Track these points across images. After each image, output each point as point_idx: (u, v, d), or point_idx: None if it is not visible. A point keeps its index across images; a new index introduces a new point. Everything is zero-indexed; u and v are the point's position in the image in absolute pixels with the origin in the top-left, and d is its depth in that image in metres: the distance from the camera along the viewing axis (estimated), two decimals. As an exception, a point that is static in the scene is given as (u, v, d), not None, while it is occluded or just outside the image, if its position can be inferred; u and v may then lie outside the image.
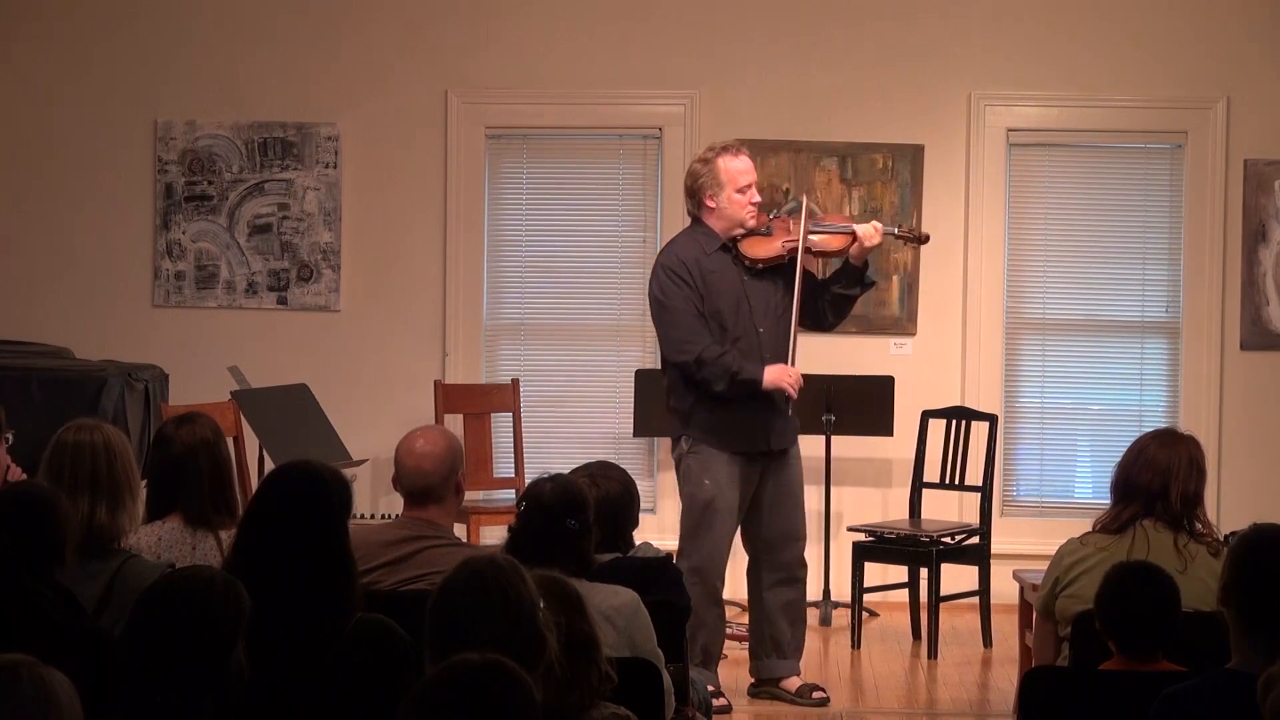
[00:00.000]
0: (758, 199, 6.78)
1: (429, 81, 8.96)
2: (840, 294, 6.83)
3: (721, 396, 6.64)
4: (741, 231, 6.74)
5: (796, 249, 6.68)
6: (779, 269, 6.76)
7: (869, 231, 6.72)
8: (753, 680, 6.94)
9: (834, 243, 6.80)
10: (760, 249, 6.74)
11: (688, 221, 6.89)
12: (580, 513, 4.54)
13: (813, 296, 6.80)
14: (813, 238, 6.76)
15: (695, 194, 6.76)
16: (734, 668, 7.09)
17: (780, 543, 6.82)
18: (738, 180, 6.71)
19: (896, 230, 7.01)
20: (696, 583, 6.61)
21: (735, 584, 7.30)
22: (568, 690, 3.36)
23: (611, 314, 9.01)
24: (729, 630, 7.43)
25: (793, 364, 6.68)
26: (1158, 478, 5.02)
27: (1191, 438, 5.18)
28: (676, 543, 8.01)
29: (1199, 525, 5.05)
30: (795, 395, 6.69)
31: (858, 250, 6.74)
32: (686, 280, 6.67)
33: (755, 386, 6.61)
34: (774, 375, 6.62)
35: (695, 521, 6.71)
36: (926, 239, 7.16)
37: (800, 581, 6.88)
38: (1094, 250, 8.97)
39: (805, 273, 6.76)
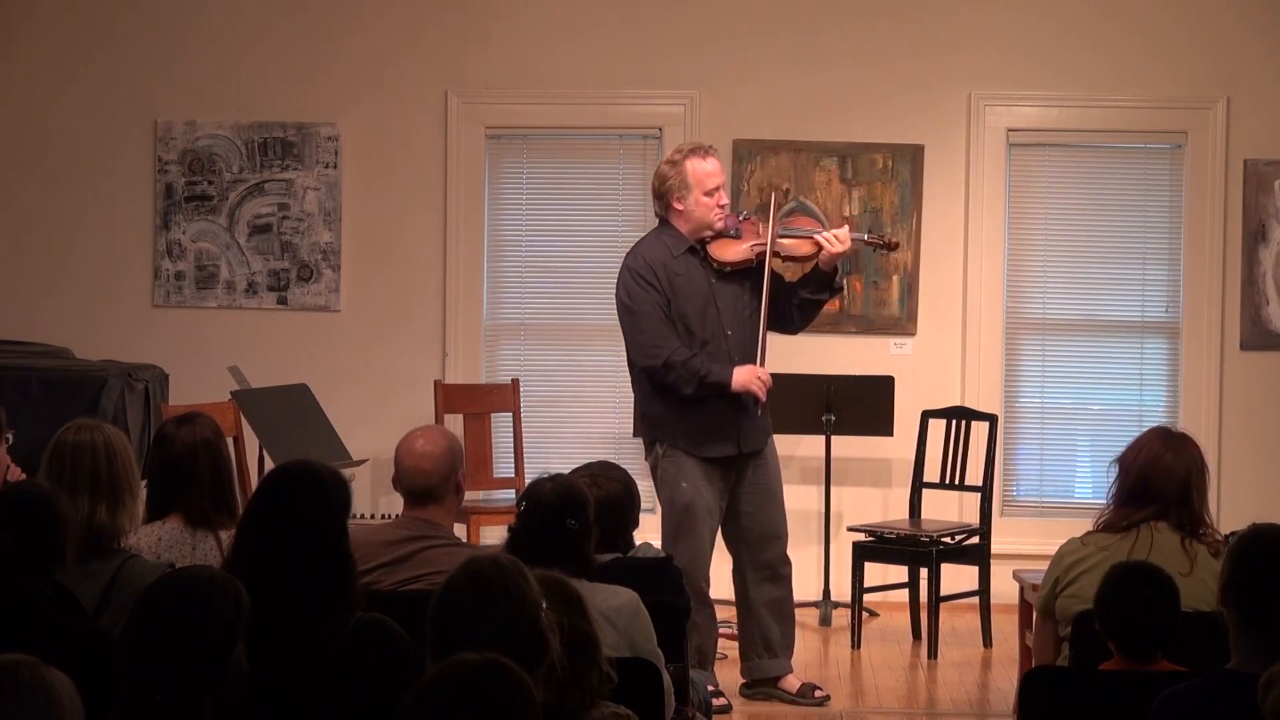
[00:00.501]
0: (726, 201, 6.75)
1: (429, 81, 8.96)
2: (809, 298, 6.80)
3: (690, 400, 6.62)
4: (709, 234, 6.72)
5: (765, 252, 6.67)
6: (747, 272, 6.73)
7: (839, 237, 6.69)
8: (745, 681, 6.93)
9: (803, 247, 6.78)
10: (728, 252, 6.72)
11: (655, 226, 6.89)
12: (580, 513, 4.54)
13: (780, 299, 6.78)
14: (781, 241, 6.74)
15: (663, 196, 6.72)
16: (732, 668, 7.08)
17: (762, 542, 6.81)
18: (706, 183, 6.68)
19: (866, 237, 6.98)
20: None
21: (722, 583, 7.29)
22: (568, 690, 3.36)
23: (611, 314, 8.90)
24: (728, 629, 7.43)
25: (761, 365, 6.65)
26: (1178, 485, 5.02)
27: (1190, 437, 5.17)
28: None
29: (1204, 528, 5.05)
30: (764, 397, 6.66)
31: (827, 256, 6.70)
32: (653, 283, 6.65)
33: (724, 389, 6.59)
34: (742, 378, 6.59)
35: (676, 525, 6.71)
36: (896, 246, 7.11)
37: (785, 578, 6.87)
38: (1094, 250, 8.97)
39: (773, 275, 6.75)
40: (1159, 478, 5.03)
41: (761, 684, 6.90)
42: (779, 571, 6.85)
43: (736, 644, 7.28)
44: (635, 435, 8.55)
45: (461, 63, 8.98)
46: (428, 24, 8.97)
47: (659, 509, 8.76)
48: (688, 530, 6.67)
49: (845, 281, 7.23)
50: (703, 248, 6.72)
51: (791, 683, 6.88)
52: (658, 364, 6.59)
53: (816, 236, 6.73)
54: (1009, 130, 8.90)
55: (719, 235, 6.72)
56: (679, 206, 6.69)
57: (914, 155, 8.89)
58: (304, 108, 9.00)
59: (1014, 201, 8.96)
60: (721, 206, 6.71)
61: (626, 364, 6.93)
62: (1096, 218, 8.96)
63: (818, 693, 6.88)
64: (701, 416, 6.65)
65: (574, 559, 4.46)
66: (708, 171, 6.69)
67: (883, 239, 6.99)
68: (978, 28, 8.88)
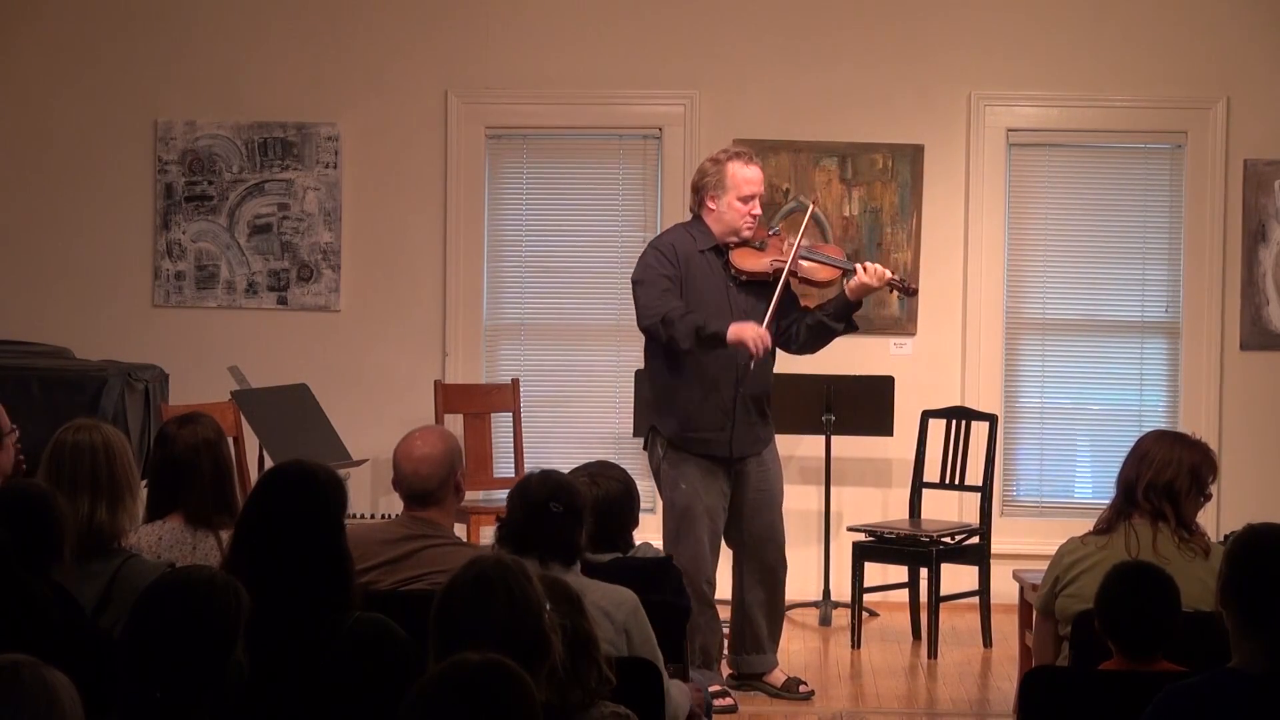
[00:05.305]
0: (758, 212, 6.76)
1: (429, 81, 8.96)
2: (824, 322, 6.76)
3: (681, 391, 6.62)
4: (735, 240, 6.74)
5: (783, 270, 6.66)
6: (764, 285, 6.72)
7: (875, 272, 6.62)
8: (731, 673, 6.96)
9: (822, 273, 6.77)
10: (749, 262, 6.73)
11: (689, 219, 6.88)
12: (564, 496, 4.51)
13: (788, 315, 6.77)
14: (802, 263, 6.73)
15: (699, 191, 6.76)
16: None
17: (759, 545, 6.84)
18: (742, 188, 6.70)
19: (900, 280, 6.77)
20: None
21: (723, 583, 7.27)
22: (570, 690, 3.36)
23: (611, 314, 9.00)
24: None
25: (766, 329, 6.52)
26: (1133, 469, 5.04)
27: (1189, 438, 5.16)
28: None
29: (1194, 526, 5.05)
30: (757, 354, 6.50)
31: (856, 284, 6.65)
32: (671, 261, 6.66)
33: (720, 340, 6.49)
34: (739, 331, 6.49)
35: (676, 526, 6.74)
36: (915, 291, 7.09)
37: (780, 581, 6.91)
38: (1094, 250, 8.97)
39: (787, 294, 6.73)
40: (1135, 471, 5.04)
41: (748, 678, 6.95)
42: (775, 574, 6.90)
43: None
44: (636, 435, 8.56)
45: (461, 63, 8.98)
46: (428, 24, 8.97)
47: (659, 508, 8.79)
48: (687, 532, 6.69)
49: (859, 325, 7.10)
50: (726, 251, 6.74)
51: (777, 676, 6.94)
52: (656, 320, 6.55)
53: (841, 267, 6.72)
54: (1009, 130, 8.90)
55: (744, 243, 6.74)
56: (711, 205, 6.73)
57: (914, 155, 8.89)
58: (304, 108, 9.00)
59: (1014, 201, 8.96)
60: (754, 216, 6.72)
61: (642, 356, 6.93)
62: (1096, 218, 8.96)
63: (802, 687, 6.94)
64: (689, 414, 6.66)
65: (560, 545, 4.44)
66: (746, 178, 6.71)
67: (906, 284, 6.81)
68: (978, 28, 8.89)
